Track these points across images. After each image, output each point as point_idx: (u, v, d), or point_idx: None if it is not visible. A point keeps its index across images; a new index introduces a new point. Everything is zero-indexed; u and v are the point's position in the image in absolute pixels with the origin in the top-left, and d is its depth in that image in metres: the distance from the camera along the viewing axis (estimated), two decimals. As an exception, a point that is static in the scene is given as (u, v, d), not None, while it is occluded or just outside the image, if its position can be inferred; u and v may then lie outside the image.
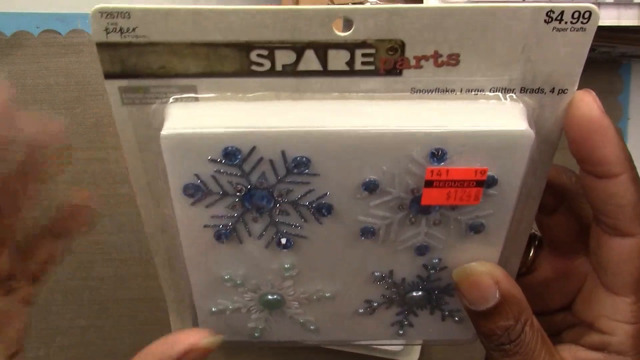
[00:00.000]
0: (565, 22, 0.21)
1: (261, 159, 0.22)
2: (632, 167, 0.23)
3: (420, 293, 0.26)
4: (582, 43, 0.22)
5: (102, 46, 0.21)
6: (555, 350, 0.25)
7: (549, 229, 0.28)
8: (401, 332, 0.28)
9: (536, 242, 0.29)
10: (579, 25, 0.21)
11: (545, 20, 0.21)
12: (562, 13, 0.20)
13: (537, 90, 0.22)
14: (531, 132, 0.21)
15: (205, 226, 0.24)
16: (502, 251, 0.25)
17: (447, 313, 0.27)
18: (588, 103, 0.22)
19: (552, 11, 0.20)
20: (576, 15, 0.21)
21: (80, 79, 0.43)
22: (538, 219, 0.28)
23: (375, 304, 0.27)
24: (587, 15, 0.21)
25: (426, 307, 0.27)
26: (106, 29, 0.21)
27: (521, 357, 0.24)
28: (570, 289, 0.27)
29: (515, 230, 0.25)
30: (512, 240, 0.25)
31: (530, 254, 0.29)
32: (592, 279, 0.26)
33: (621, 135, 0.23)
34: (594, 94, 0.22)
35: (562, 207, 0.27)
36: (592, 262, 0.25)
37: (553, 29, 0.21)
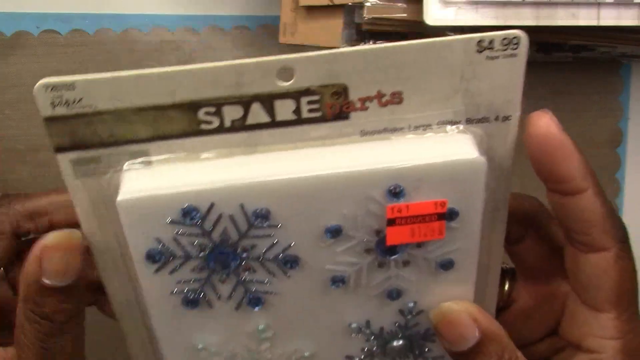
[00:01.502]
0: (497, 50, 0.21)
1: (221, 216, 0.22)
2: (597, 182, 0.23)
3: (400, 342, 0.26)
4: (516, 69, 0.22)
5: (49, 120, 0.21)
6: None
7: (520, 258, 0.28)
8: None
9: (510, 275, 0.29)
10: (509, 51, 0.21)
11: (477, 50, 0.21)
12: (492, 41, 0.21)
13: (482, 120, 0.23)
14: (483, 159, 0.22)
15: (172, 293, 0.23)
16: (477, 287, 0.25)
17: None
18: (546, 122, 0.22)
19: (482, 40, 0.21)
20: (505, 42, 0.21)
21: (80, 79, 0.43)
22: (508, 250, 0.28)
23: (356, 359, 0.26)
24: (515, 41, 0.21)
25: (409, 357, 0.26)
26: (52, 103, 0.21)
27: None
28: (552, 313, 0.27)
29: (486, 264, 0.25)
30: (484, 274, 0.25)
31: (506, 287, 0.28)
32: (573, 299, 0.25)
33: (582, 153, 0.23)
34: (550, 113, 0.23)
35: (529, 234, 0.27)
36: (570, 282, 0.25)
37: (486, 58, 0.21)
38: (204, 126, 0.22)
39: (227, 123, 0.22)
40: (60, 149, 0.21)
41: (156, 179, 0.22)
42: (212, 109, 0.21)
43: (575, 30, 0.38)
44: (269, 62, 0.21)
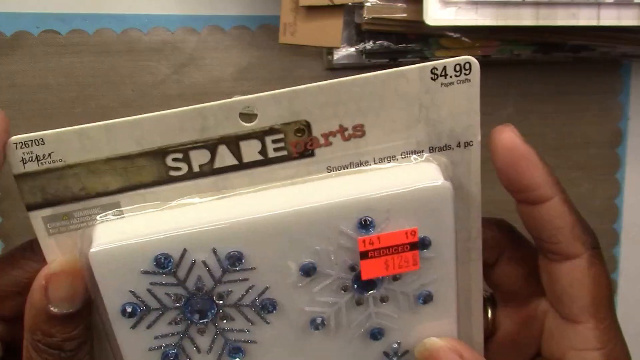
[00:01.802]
0: (450, 77, 0.22)
1: (194, 262, 0.21)
2: (562, 190, 0.23)
3: None
4: (471, 94, 0.22)
5: (20, 177, 0.21)
6: None
7: (497, 282, 0.28)
8: None
9: (491, 302, 0.29)
10: (462, 77, 0.22)
11: (431, 78, 0.22)
12: (444, 68, 0.21)
13: (444, 148, 0.23)
14: (448, 184, 0.22)
15: (150, 349, 0.23)
16: (461, 318, 0.24)
17: None
18: (508, 134, 0.23)
19: (435, 68, 0.21)
20: (457, 68, 0.22)
21: (80, 79, 0.43)
22: (484, 276, 0.28)
23: None
24: (467, 66, 0.22)
25: None
26: (22, 160, 0.21)
27: None
28: (535, 334, 0.27)
29: (467, 295, 0.25)
30: (467, 304, 0.25)
31: (489, 315, 0.28)
32: (552, 315, 0.25)
33: (546, 164, 0.23)
34: (512, 126, 0.23)
35: (503, 258, 0.27)
36: (547, 296, 0.25)
37: (441, 85, 0.22)
38: (172, 173, 0.22)
39: (196, 168, 0.22)
40: (32, 207, 0.21)
41: (128, 229, 0.22)
42: (179, 155, 0.21)
43: (575, 30, 0.38)
44: (231, 104, 0.21)
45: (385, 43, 0.40)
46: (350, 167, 0.23)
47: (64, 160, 0.21)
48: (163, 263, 0.21)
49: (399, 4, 0.38)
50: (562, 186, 0.23)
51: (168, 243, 0.21)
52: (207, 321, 0.23)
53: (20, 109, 0.43)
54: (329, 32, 0.40)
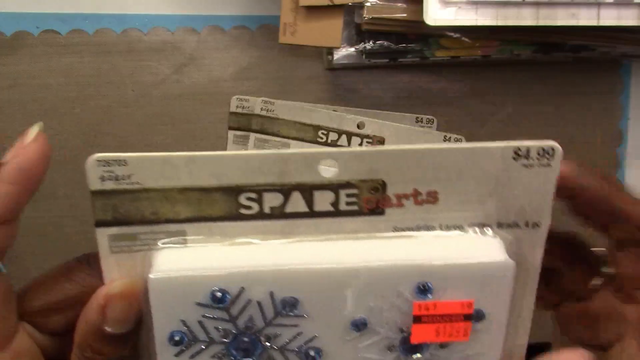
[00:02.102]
0: (532, 159, 0.22)
1: (249, 301, 0.22)
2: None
3: None
4: (548, 178, 0.22)
5: (96, 194, 0.21)
6: None
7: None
8: None
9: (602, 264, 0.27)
10: (544, 161, 0.22)
11: (513, 158, 0.22)
12: (528, 150, 0.22)
13: (512, 225, 0.23)
14: (511, 263, 0.22)
15: None
16: None
17: None
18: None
19: (519, 149, 0.22)
20: (541, 152, 0.22)
21: (80, 79, 0.43)
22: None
23: None
24: (551, 152, 0.22)
25: None
26: (102, 177, 0.21)
27: None
28: None
29: None
30: None
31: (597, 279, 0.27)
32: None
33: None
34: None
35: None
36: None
37: (521, 166, 0.22)
38: (243, 211, 0.22)
39: (266, 209, 0.22)
40: (100, 223, 0.22)
41: (189, 259, 0.22)
42: (253, 195, 0.22)
43: (575, 30, 0.38)
44: (314, 154, 0.21)
45: (385, 43, 0.40)
46: (417, 231, 0.23)
47: (142, 184, 0.21)
48: (219, 298, 0.22)
49: (399, 4, 0.38)
50: None
51: (227, 279, 0.21)
52: (250, 359, 0.23)
53: (20, 109, 0.43)
54: (329, 32, 0.40)
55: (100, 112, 0.43)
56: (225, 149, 0.44)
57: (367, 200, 0.22)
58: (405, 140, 0.43)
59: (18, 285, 0.25)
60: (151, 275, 0.21)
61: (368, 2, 0.38)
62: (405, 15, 0.38)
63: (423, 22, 0.36)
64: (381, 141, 0.43)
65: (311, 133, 0.43)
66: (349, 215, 0.22)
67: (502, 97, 0.45)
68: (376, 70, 0.44)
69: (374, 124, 0.43)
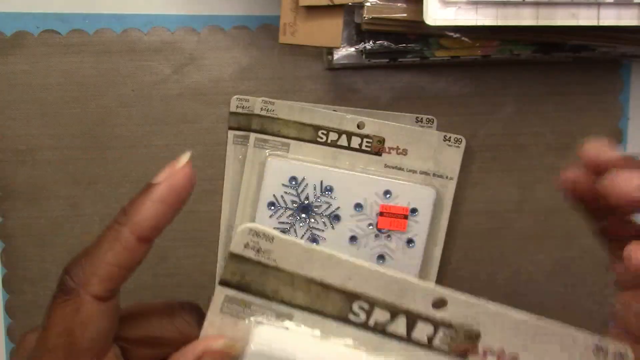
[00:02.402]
0: (607, 354, 0.23)
1: None
2: None
3: None
4: None
5: (234, 257, 0.23)
6: None
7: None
8: None
9: None
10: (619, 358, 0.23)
11: (593, 353, 0.23)
12: (607, 351, 0.23)
13: None
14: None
15: None
16: None
17: None
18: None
19: (600, 347, 0.23)
20: (618, 357, 0.23)
21: (80, 79, 0.43)
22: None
23: None
24: (625, 357, 0.23)
25: None
26: (246, 244, 0.23)
27: None
28: None
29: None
30: None
31: None
32: None
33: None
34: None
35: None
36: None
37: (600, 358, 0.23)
38: (351, 316, 0.23)
39: (371, 322, 0.23)
40: (223, 283, 0.23)
41: (288, 342, 0.23)
42: (366, 305, 0.23)
43: (575, 30, 0.38)
44: (432, 291, 0.23)
45: (385, 43, 0.40)
46: None
47: (277, 262, 0.23)
48: None
49: (399, 4, 0.38)
50: None
51: None
52: None
53: (20, 109, 0.43)
54: (329, 32, 0.40)
55: (100, 112, 0.43)
56: (225, 149, 0.44)
57: (458, 345, 0.23)
58: (406, 140, 0.43)
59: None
60: (252, 345, 0.22)
61: (368, 2, 0.38)
62: (405, 15, 0.38)
63: (423, 22, 0.36)
64: (381, 141, 0.43)
65: (311, 133, 0.43)
66: (438, 353, 0.24)
67: (502, 97, 0.45)
68: (376, 70, 0.44)
69: (374, 124, 0.43)
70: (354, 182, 0.42)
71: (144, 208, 0.23)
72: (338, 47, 0.41)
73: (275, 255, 0.23)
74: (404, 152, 0.43)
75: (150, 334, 0.25)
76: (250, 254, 0.23)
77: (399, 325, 0.23)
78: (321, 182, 0.42)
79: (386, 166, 0.43)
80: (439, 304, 0.23)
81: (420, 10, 0.36)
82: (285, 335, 0.23)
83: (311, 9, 0.39)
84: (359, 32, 0.40)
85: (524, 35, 0.40)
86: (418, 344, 0.24)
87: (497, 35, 0.40)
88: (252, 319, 0.23)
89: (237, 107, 0.44)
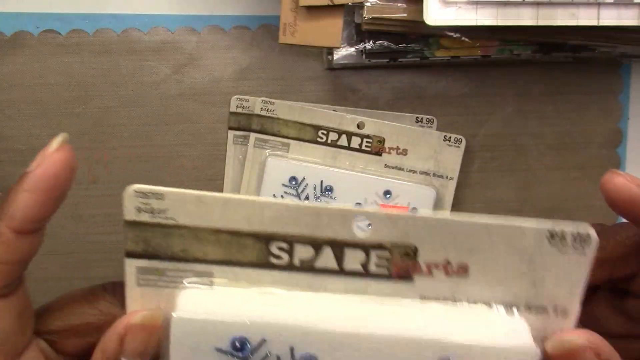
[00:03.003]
0: (567, 245, 0.22)
1: (269, 355, 0.22)
2: None
3: None
4: (581, 267, 0.22)
5: (130, 224, 0.21)
6: None
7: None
8: None
9: None
10: (579, 248, 0.22)
11: (547, 240, 0.21)
12: (563, 234, 0.21)
13: (540, 310, 0.23)
14: (537, 351, 0.21)
15: None
16: None
17: None
18: (621, 180, 0.23)
19: (555, 232, 0.21)
20: (578, 238, 0.21)
21: (80, 79, 0.43)
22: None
23: None
24: (587, 238, 0.21)
25: None
26: (138, 208, 0.21)
27: None
28: None
29: None
30: None
31: None
32: None
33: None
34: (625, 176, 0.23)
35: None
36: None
37: (555, 249, 0.22)
38: (273, 260, 0.22)
39: (296, 262, 0.22)
40: (130, 254, 0.22)
41: (213, 303, 0.22)
42: (284, 245, 0.22)
43: (575, 30, 0.38)
44: (350, 211, 0.21)
45: (385, 43, 0.40)
46: (444, 301, 0.23)
47: (176, 220, 0.21)
48: (239, 347, 0.21)
49: (399, 4, 0.38)
50: None
51: (249, 329, 0.21)
52: None
53: (20, 109, 0.43)
54: (329, 32, 0.40)
55: (100, 112, 0.43)
56: (225, 149, 0.44)
57: (398, 265, 0.22)
58: (406, 140, 0.43)
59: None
60: (174, 314, 0.21)
61: (368, 2, 0.38)
62: (405, 15, 0.38)
63: (423, 22, 0.36)
64: (381, 141, 0.43)
65: (311, 133, 0.43)
66: (377, 278, 0.22)
67: (502, 97, 0.45)
68: (376, 70, 0.44)
69: (374, 124, 0.43)
70: (354, 182, 0.42)
71: (18, 200, 0.21)
72: (338, 47, 0.41)
73: (172, 213, 0.21)
74: (404, 152, 0.43)
75: (74, 322, 0.24)
76: (145, 217, 0.21)
77: (327, 259, 0.22)
78: (321, 182, 0.42)
79: (386, 166, 0.43)
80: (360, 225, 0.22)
81: (420, 10, 0.36)
82: (210, 295, 0.22)
83: (311, 9, 0.39)
84: (359, 32, 0.40)
85: (524, 35, 0.40)
86: (354, 274, 0.22)
87: (497, 35, 0.40)
88: (171, 285, 0.22)
89: (237, 107, 0.44)
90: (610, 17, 0.36)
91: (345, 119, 0.43)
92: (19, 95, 0.43)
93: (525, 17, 0.36)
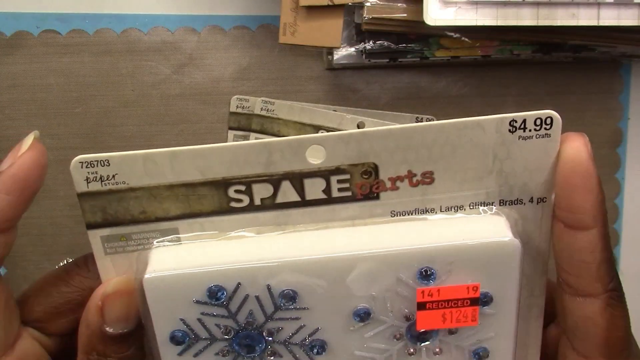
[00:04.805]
0: (529, 130, 0.21)
1: (247, 297, 0.21)
2: (605, 224, 0.21)
3: None
4: (549, 149, 0.21)
5: (83, 196, 0.21)
6: None
7: None
8: None
9: None
10: (542, 131, 0.21)
11: (509, 130, 0.21)
12: (524, 121, 0.21)
13: (516, 202, 0.22)
14: (517, 242, 0.21)
15: None
16: None
17: None
18: (578, 147, 0.21)
19: (514, 120, 0.21)
20: (538, 122, 0.21)
21: (80, 79, 0.43)
22: None
23: None
24: (549, 121, 0.21)
25: None
26: (87, 179, 0.21)
27: None
28: (550, 356, 0.25)
29: (524, 354, 0.24)
30: None
31: None
32: (564, 343, 0.24)
33: (602, 191, 0.22)
34: (586, 138, 0.21)
35: None
36: (561, 325, 0.24)
37: (519, 138, 0.21)
38: (233, 204, 0.22)
39: (257, 201, 0.22)
40: (91, 226, 0.22)
41: (184, 257, 0.22)
42: (242, 187, 0.21)
43: (575, 30, 0.38)
44: (300, 141, 0.21)
45: (385, 43, 0.40)
46: (415, 214, 0.22)
47: (127, 183, 0.21)
48: (216, 295, 0.21)
49: (399, 4, 0.38)
50: (606, 220, 0.22)
51: (223, 275, 0.21)
52: (254, 355, 0.22)
53: (20, 109, 0.43)
54: (329, 32, 0.40)
55: (100, 112, 0.43)
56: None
57: (361, 186, 0.22)
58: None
59: (20, 285, 0.25)
60: (146, 275, 0.21)
61: (368, 2, 0.38)
62: (405, 15, 0.38)
63: (423, 22, 0.36)
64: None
65: (311, 133, 0.43)
66: (342, 202, 0.22)
67: (502, 97, 0.45)
68: (376, 70, 0.44)
69: (374, 124, 0.43)
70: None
71: None
72: (338, 47, 0.41)
73: (122, 177, 0.21)
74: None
75: (54, 303, 0.24)
76: (96, 186, 0.21)
77: (287, 192, 0.21)
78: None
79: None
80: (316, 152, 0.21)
81: (420, 10, 0.36)
82: (179, 250, 0.22)
83: (311, 9, 0.39)
84: (359, 32, 0.40)
85: (524, 35, 0.40)
86: (317, 202, 0.22)
87: (497, 35, 0.40)
88: (140, 247, 0.22)
89: (237, 107, 0.44)
90: (610, 17, 0.36)
91: (346, 119, 0.43)
92: (19, 95, 0.43)
93: (525, 17, 0.36)
